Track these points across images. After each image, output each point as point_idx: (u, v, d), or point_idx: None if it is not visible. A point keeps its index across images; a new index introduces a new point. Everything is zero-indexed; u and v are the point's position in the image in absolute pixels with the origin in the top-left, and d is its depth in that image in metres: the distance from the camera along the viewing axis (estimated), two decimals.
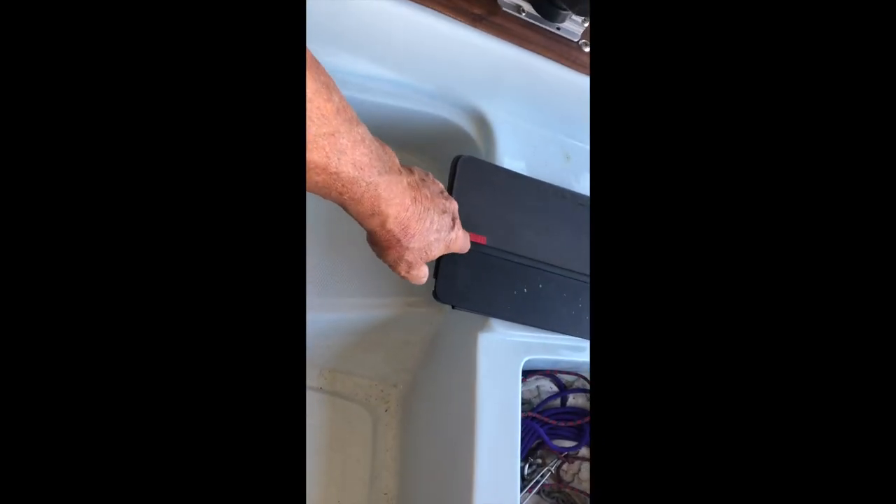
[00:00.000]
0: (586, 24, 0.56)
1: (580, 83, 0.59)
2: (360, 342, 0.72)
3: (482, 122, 0.65)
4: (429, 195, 0.41)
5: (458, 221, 0.46)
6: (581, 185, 0.67)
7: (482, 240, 0.57)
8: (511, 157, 0.65)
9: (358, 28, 0.54)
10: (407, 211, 0.39)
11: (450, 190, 0.57)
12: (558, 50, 0.55)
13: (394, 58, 0.58)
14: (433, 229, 0.42)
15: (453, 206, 0.46)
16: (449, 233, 0.44)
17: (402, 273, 0.44)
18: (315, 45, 0.55)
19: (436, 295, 0.54)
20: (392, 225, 0.38)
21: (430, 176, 0.45)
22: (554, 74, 0.58)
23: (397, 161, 0.39)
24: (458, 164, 0.58)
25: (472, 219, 0.57)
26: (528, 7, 0.52)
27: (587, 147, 0.70)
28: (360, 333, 0.71)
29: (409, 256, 0.42)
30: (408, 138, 0.69)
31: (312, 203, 0.63)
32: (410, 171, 0.41)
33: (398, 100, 0.63)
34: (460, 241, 0.48)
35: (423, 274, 0.46)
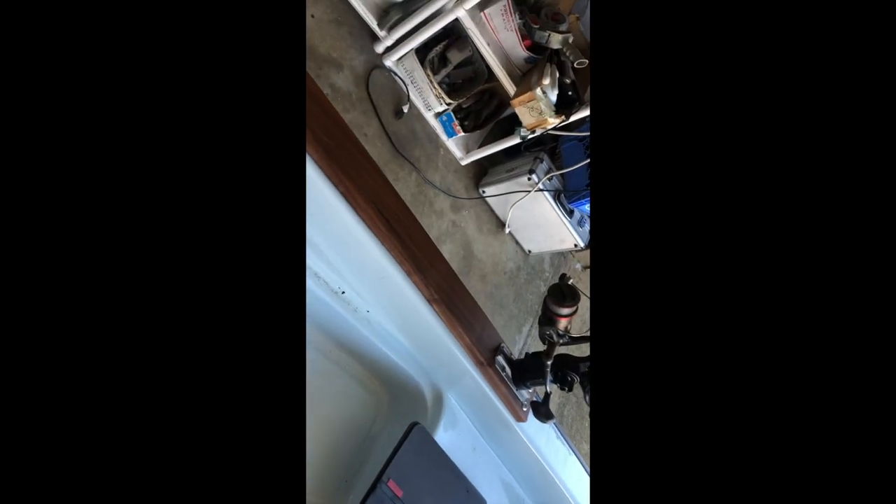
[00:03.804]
0: (529, 399, 0.86)
1: (510, 421, 0.87)
2: None
3: (438, 399, 0.89)
4: None
5: None
6: (474, 472, 0.91)
7: (399, 493, 0.77)
8: (444, 428, 0.88)
9: (401, 307, 0.78)
10: None
11: (398, 447, 0.77)
12: (508, 400, 0.84)
13: (414, 335, 0.83)
14: None
15: None
16: None
17: None
18: (369, 302, 0.78)
19: None
20: None
21: None
22: (494, 406, 0.86)
23: None
24: (413, 430, 0.79)
25: (400, 473, 0.76)
26: (509, 372, 0.82)
27: (490, 450, 0.96)
28: None
29: None
30: (384, 376, 0.90)
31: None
32: None
33: (396, 354, 0.86)
34: None
35: None
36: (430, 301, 0.74)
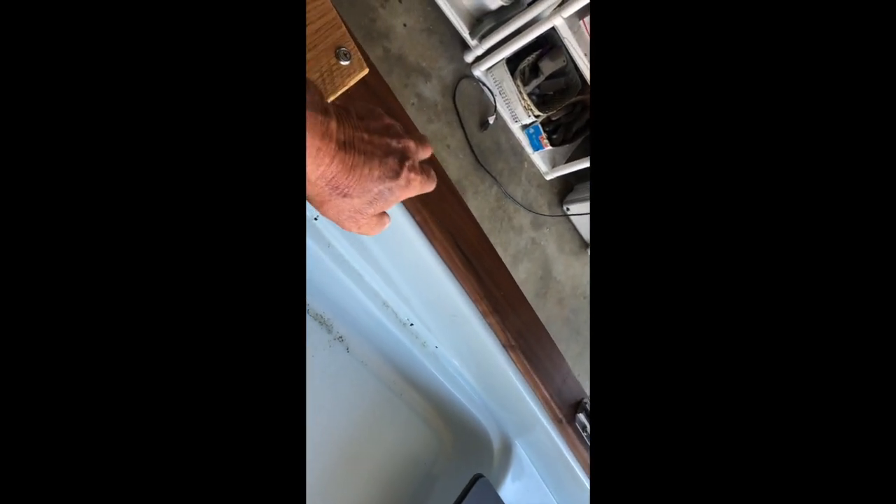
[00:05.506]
0: None
1: (579, 478, 0.76)
2: None
3: (507, 448, 0.80)
4: (366, 138, 0.34)
5: (413, 159, 0.37)
6: None
7: None
8: (511, 480, 0.79)
9: (473, 349, 0.70)
10: (331, 165, 0.32)
11: (459, 500, 0.70)
12: (588, 464, 0.73)
13: (486, 380, 0.75)
14: (374, 177, 0.34)
15: (404, 143, 0.36)
16: (396, 178, 0.35)
17: (353, 229, 0.37)
18: (439, 338, 0.72)
19: None
20: (317, 180, 0.32)
21: (375, 109, 0.36)
22: (570, 467, 0.75)
23: (321, 99, 0.31)
24: (477, 483, 0.72)
25: None
26: (589, 430, 0.71)
27: None
28: None
29: (350, 212, 0.35)
30: (449, 416, 0.83)
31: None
32: (339, 112, 0.33)
33: (464, 395, 0.79)
34: (416, 185, 0.37)
35: (378, 225, 0.38)
36: (506, 346, 0.65)
